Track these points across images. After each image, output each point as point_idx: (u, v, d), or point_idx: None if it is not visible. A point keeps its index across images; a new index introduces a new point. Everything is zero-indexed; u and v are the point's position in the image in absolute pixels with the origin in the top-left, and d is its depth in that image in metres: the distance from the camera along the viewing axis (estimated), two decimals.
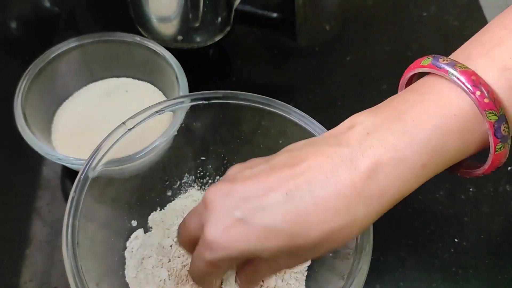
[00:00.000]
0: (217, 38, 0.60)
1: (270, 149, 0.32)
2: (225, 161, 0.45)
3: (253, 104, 0.41)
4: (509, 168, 0.51)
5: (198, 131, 0.43)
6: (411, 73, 0.30)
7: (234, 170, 0.30)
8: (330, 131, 0.29)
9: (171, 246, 0.42)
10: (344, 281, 0.34)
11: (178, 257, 0.41)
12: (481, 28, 0.29)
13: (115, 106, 0.52)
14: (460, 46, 0.30)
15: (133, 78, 0.54)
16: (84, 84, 0.53)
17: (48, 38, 0.59)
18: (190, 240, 0.32)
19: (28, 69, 0.47)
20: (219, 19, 0.59)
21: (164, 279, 0.40)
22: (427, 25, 0.63)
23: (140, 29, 0.60)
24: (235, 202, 0.27)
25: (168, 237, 0.42)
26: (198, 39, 0.59)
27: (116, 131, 0.38)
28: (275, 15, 0.64)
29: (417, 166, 0.26)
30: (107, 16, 0.64)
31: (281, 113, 0.40)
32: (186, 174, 0.46)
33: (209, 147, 0.45)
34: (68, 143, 0.49)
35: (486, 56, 0.26)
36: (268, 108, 0.40)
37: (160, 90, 0.53)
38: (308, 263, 0.42)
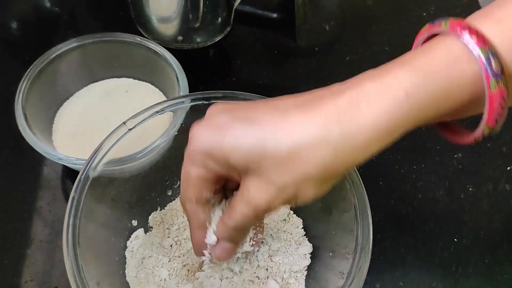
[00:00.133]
0: (217, 38, 0.61)
1: None
2: None
3: None
4: (508, 168, 0.51)
5: None
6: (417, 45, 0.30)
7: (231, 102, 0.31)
8: None
9: (171, 245, 0.42)
10: (344, 280, 0.34)
11: (179, 256, 0.41)
12: None
13: (115, 106, 0.52)
14: None
15: (134, 78, 0.54)
16: (84, 84, 0.53)
17: (49, 38, 0.59)
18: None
19: (28, 70, 0.47)
20: (219, 19, 0.59)
21: (165, 279, 0.40)
22: None
23: (140, 30, 0.60)
24: (227, 112, 0.29)
25: (169, 237, 0.43)
26: (198, 39, 0.59)
27: (117, 131, 0.38)
28: (275, 15, 0.64)
29: (400, 94, 0.26)
30: (107, 16, 0.64)
31: None
32: None
33: None
34: (69, 143, 0.49)
35: (483, 15, 0.27)
36: None
37: (160, 90, 0.53)
38: (308, 262, 0.42)
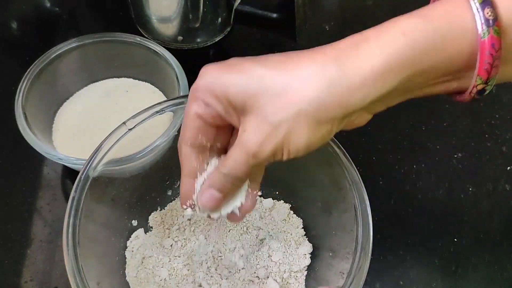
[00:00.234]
0: (217, 38, 0.61)
1: None
2: None
3: None
4: (508, 168, 0.51)
5: None
6: None
7: None
8: None
9: (171, 245, 0.42)
10: (344, 280, 0.34)
11: (179, 256, 0.41)
12: None
13: (115, 106, 0.52)
14: None
15: (134, 78, 0.54)
16: (84, 84, 0.53)
17: (49, 38, 0.59)
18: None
19: (28, 70, 0.47)
20: (219, 19, 0.59)
21: (165, 279, 0.40)
22: None
23: (141, 30, 0.60)
24: (238, 57, 0.30)
25: (169, 237, 0.43)
26: (198, 40, 0.59)
27: (117, 131, 0.38)
28: (275, 15, 0.64)
29: (398, 34, 0.26)
30: (107, 17, 0.64)
31: None
32: None
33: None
34: (69, 143, 0.49)
35: None
36: None
37: (160, 90, 0.53)
38: (308, 262, 0.42)
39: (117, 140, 0.38)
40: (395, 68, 0.26)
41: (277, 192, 0.46)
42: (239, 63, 0.29)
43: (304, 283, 0.41)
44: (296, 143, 0.28)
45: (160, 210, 0.45)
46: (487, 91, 0.29)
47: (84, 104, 0.52)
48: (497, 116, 0.55)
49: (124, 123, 0.39)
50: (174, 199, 0.46)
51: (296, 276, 0.41)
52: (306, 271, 0.42)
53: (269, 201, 0.45)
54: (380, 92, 0.27)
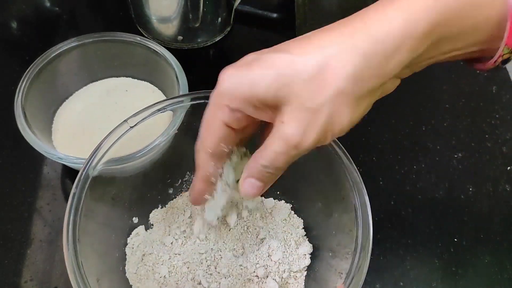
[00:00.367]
0: (217, 38, 0.61)
1: None
2: None
3: None
4: (508, 168, 0.51)
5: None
6: None
7: None
8: None
9: (171, 243, 0.42)
10: (342, 280, 0.34)
11: (179, 254, 0.41)
12: None
13: (115, 106, 0.52)
14: None
15: (133, 77, 0.54)
16: (84, 83, 0.53)
17: (49, 38, 0.59)
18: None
19: (28, 69, 0.47)
20: (219, 19, 0.59)
21: (164, 276, 0.40)
22: None
23: (141, 30, 0.60)
24: (254, 53, 0.28)
25: (169, 235, 0.43)
26: (198, 39, 0.59)
27: (117, 129, 0.38)
28: (275, 15, 0.64)
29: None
30: (107, 17, 0.64)
31: None
32: (188, 172, 0.46)
33: None
34: (69, 143, 0.49)
35: None
36: None
37: (160, 89, 0.53)
38: (308, 262, 0.42)
39: (118, 138, 0.38)
40: (426, 31, 0.26)
41: (278, 192, 0.46)
42: (258, 58, 0.27)
43: (303, 284, 0.41)
44: (340, 124, 0.27)
45: (161, 208, 0.45)
46: None
47: (83, 103, 0.52)
48: (497, 116, 0.55)
49: (125, 121, 0.38)
50: (175, 197, 0.46)
51: (296, 276, 0.41)
52: (306, 272, 0.42)
53: (270, 201, 0.45)
54: (411, 57, 0.26)
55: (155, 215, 0.45)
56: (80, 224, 0.35)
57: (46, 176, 0.49)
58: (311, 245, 0.43)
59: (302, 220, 0.44)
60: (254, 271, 0.41)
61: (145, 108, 0.39)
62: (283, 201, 0.45)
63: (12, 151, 0.50)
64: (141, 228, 0.43)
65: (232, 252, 0.41)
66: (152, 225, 0.44)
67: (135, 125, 0.38)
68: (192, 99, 0.40)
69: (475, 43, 0.28)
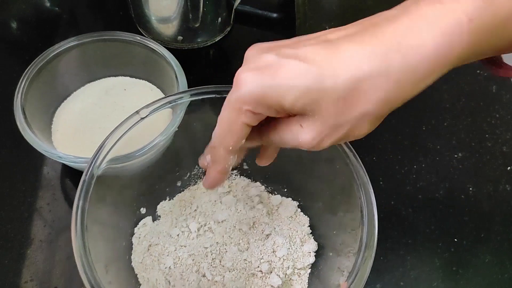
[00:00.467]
0: (217, 38, 0.61)
1: None
2: None
3: None
4: (508, 168, 0.51)
5: (209, 124, 0.43)
6: None
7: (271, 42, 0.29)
8: None
9: (178, 235, 0.43)
10: (345, 278, 0.34)
11: (185, 246, 0.42)
12: None
13: (114, 105, 0.52)
14: None
15: (133, 76, 0.54)
16: (83, 83, 0.53)
17: (49, 38, 0.59)
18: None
19: (27, 69, 0.47)
20: (219, 19, 0.59)
21: (169, 267, 0.41)
22: None
23: (141, 30, 0.60)
24: (271, 49, 0.27)
25: (176, 227, 0.43)
26: (198, 39, 0.59)
27: (128, 120, 0.38)
28: (275, 15, 0.64)
29: (462, 19, 0.25)
30: (107, 16, 0.64)
31: None
32: (197, 166, 0.46)
33: None
34: (69, 142, 0.49)
35: None
36: None
37: (159, 88, 0.53)
38: (312, 260, 0.42)
39: (129, 128, 0.38)
40: (459, 53, 0.25)
41: (285, 190, 0.46)
42: (279, 63, 0.26)
43: (307, 281, 0.41)
44: (356, 136, 0.28)
45: (169, 200, 0.46)
46: None
47: (82, 103, 0.52)
48: (497, 116, 0.55)
49: (137, 112, 0.38)
50: (183, 190, 0.46)
51: (300, 273, 0.41)
52: (310, 269, 0.42)
53: (277, 198, 0.46)
54: (439, 76, 0.26)
55: (163, 207, 0.45)
56: (89, 210, 0.35)
57: (46, 176, 0.49)
58: (316, 243, 0.43)
59: (308, 218, 0.44)
60: (258, 266, 0.41)
61: (157, 100, 0.39)
62: (290, 199, 0.46)
63: (12, 151, 0.50)
64: (148, 219, 0.44)
65: (237, 247, 0.42)
66: (160, 216, 0.45)
67: (146, 116, 0.38)
68: (204, 93, 0.40)
69: (505, 51, 0.27)
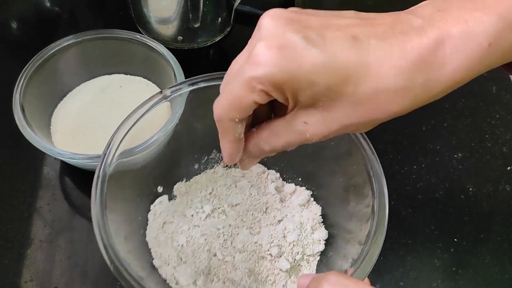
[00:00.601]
0: (217, 38, 0.61)
1: None
2: None
3: None
4: (508, 168, 0.51)
5: None
6: None
7: (291, 8, 0.27)
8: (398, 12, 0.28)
9: (192, 215, 0.43)
10: (349, 264, 0.35)
11: (198, 226, 0.43)
12: None
13: (113, 103, 0.52)
14: None
15: (131, 74, 0.54)
16: (82, 81, 0.53)
17: (49, 38, 0.59)
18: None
19: (26, 66, 0.47)
20: (219, 19, 0.59)
21: (182, 245, 0.41)
22: None
23: (141, 29, 0.60)
24: (294, 26, 0.25)
25: (190, 207, 0.44)
26: (198, 40, 0.59)
27: (152, 99, 0.39)
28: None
29: (484, 44, 0.25)
30: (107, 17, 0.64)
31: None
32: (214, 150, 0.47)
33: None
34: (68, 140, 0.49)
35: None
36: None
37: (158, 87, 0.53)
38: (321, 248, 0.42)
39: (151, 106, 0.38)
40: (475, 73, 0.26)
41: (299, 179, 0.46)
42: (306, 51, 0.25)
43: (315, 268, 0.42)
44: (353, 132, 0.29)
45: (185, 182, 0.47)
46: None
47: (82, 100, 0.52)
48: (497, 116, 0.55)
49: (160, 92, 0.39)
50: (199, 173, 0.47)
51: (309, 260, 0.42)
52: (319, 257, 0.42)
53: (291, 186, 0.46)
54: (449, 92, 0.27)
55: (179, 187, 0.46)
56: (108, 181, 0.35)
57: (46, 176, 0.49)
58: (327, 231, 0.43)
59: (320, 208, 0.45)
60: (268, 250, 0.41)
61: (183, 81, 0.40)
62: (304, 188, 0.46)
63: (12, 151, 0.50)
64: (164, 197, 0.45)
65: (249, 230, 0.43)
66: (175, 196, 0.46)
67: (169, 97, 0.39)
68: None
69: None
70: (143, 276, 0.34)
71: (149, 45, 0.50)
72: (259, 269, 0.41)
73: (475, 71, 0.26)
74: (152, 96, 0.39)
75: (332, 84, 0.25)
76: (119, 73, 0.54)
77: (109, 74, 0.54)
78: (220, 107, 0.28)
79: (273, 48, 0.25)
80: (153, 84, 0.53)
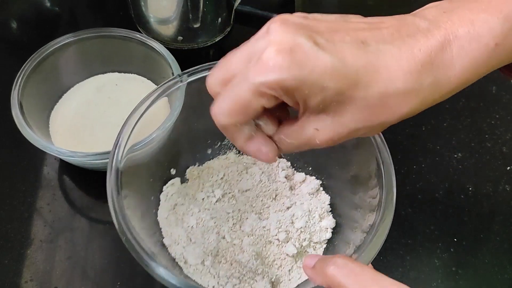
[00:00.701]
0: (217, 39, 0.61)
1: None
2: None
3: None
4: (508, 168, 0.51)
5: None
6: None
7: (298, 13, 0.28)
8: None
9: (203, 199, 0.44)
10: (351, 250, 0.36)
11: (208, 209, 0.43)
12: None
13: (112, 101, 0.52)
14: None
15: (129, 72, 0.54)
16: (80, 79, 0.53)
17: (49, 38, 0.59)
18: (224, 79, 0.28)
19: (24, 64, 0.47)
20: (219, 19, 0.59)
21: (192, 226, 0.42)
22: None
23: (141, 29, 0.60)
24: (304, 31, 0.26)
25: (202, 191, 0.45)
26: (198, 40, 0.59)
27: (169, 82, 0.39)
28: (275, 15, 0.64)
29: (491, 44, 0.26)
30: (107, 17, 0.64)
31: None
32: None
33: None
34: (67, 139, 0.49)
35: None
36: None
37: (155, 84, 0.53)
38: (328, 236, 0.42)
39: (164, 90, 0.39)
40: (482, 73, 0.27)
41: (310, 168, 0.47)
42: (316, 56, 0.24)
43: (321, 255, 0.42)
44: (364, 136, 0.29)
45: (198, 166, 0.47)
46: None
47: (81, 99, 0.52)
48: (497, 116, 0.56)
49: (179, 75, 0.40)
50: (212, 158, 0.48)
51: (315, 247, 0.42)
52: (326, 245, 0.43)
53: (301, 175, 0.47)
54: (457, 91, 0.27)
55: (191, 171, 0.47)
56: (123, 158, 0.36)
57: (46, 176, 0.49)
58: (335, 220, 0.43)
59: (329, 197, 0.45)
60: (276, 235, 0.42)
61: (200, 66, 0.41)
62: (314, 177, 0.46)
63: (12, 151, 0.50)
64: (177, 180, 0.45)
65: (258, 215, 0.43)
66: (188, 179, 0.46)
67: (186, 81, 0.40)
68: None
69: None
70: (155, 252, 0.35)
71: (147, 44, 0.50)
72: (266, 253, 0.42)
73: (482, 71, 0.27)
74: (170, 79, 0.40)
75: (342, 89, 0.25)
76: (117, 71, 0.54)
77: (108, 72, 0.54)
78: (222, 113, 0.27)
79: (283, 53, 0.25)
80: (148, 80, 0.54)
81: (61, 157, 0.43)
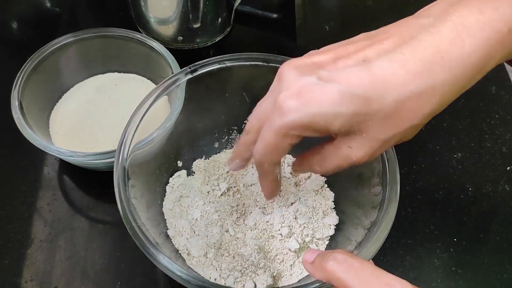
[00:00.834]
0: (217, 39, 0.61)
1: None
2: None
3: None
4: (508, 168, 0.51)
5: (254, 90, 0.44)
6: None
7: (306, 54, 0.30)
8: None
9: (208, 192, 0.45)
10: (352, 246, 0.36)
11: (213, 202, 0.44)
12: None
13: (112, 101, 0.52)
14: None
15: (129, 72, 0.54)
16: (80, 79, 0.53)
17: (49, 38, 0.59)
18: (259, 122, 0.31)
19: (24, 64, 0.47)
20: (219, 19, 0.59)
21: (196, 218, 0.43)
22: None
23: (141, 30, 0.60)
24: (309, 69, 0.28)
25: (207, 184, 0.45)
26: (198, 40, 0.59)
27: (179, 74, 0.40)
28: (275, 15, 0.64)
29: (504, 30, 0.25)
30: (107, 17, 0.64)
31: None
32: (235, 131, 0.48)
33: None
34: (67, 138, 0.49)
35: None
36: None
37: (154, 83, 0.54)
38: (331, 232, 0.43)
39: (173, 82, 0.40)
40: (498, 59, 0.27)
41: None
42: (323, 89, 0.27)
43: (321, 250, 0.42)
44: (403, 141, 0.29)
45: (204, 159, 0.48)
46: None
47: (81, 99, 0.52)
48: (496, 116, 0.56)
49: (189, 67, 0.41)
50: (219, 152, 0.48)
51: (318, 243, 0.43)
52: (328, 241, 0.43)
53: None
54: (478, 80, 0.28)
55: (198, 164, 0.47)
56: (130, 150, 0.37)
57: (46, 176, 0.49)
58: (338, 217, 0.44)
59: (333, 194, 0.45)
60: (279, 230, 0.42)
61: (208, 59, 0.41)
62: (318, 174, 0.47)
63: (12, 151, 0.50)
64: (183, 172, 0.46)
65: (262, 210, 0.44)
66: (194, 172, 0.47)
67: (196, 71, 0.41)
68: (247, 59, 0.42)
69: None
70: (159, 243, 0.36)
71: (147, 44, 0.50)
72: (269, 248, 0.42)
73: (497, 56, 0.26)
74: (179, 72, 0.41)
75: (356, 110, 0.26)
76: (117, 71, 0.54)
77: (108, 72, 0.54)
78: (259, 153, 0.31)
79: (292, 97, 0.27)
80: (147, 80, 0.54)
81: (61, 157, 0.44)
